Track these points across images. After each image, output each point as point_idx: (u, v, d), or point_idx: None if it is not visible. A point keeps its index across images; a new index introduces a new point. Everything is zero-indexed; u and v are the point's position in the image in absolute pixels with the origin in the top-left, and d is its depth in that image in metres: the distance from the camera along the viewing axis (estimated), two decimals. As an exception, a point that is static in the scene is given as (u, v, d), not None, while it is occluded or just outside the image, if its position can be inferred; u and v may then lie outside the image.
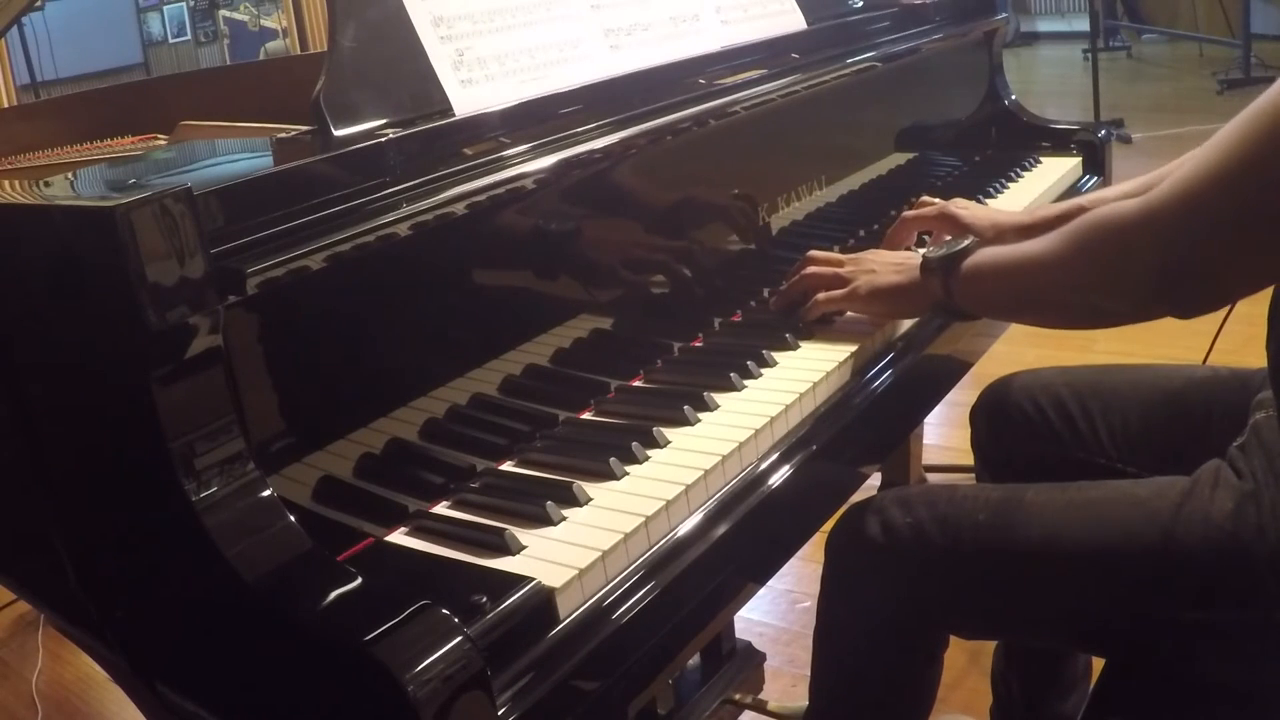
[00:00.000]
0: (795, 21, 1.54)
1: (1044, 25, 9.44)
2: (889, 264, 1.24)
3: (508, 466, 1.02)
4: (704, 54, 1.37)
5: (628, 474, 0.97)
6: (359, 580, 0.76)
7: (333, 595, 0.75)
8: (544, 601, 0.81)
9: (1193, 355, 1.55)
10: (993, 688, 1.56)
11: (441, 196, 0.95)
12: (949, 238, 1.26)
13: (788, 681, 1.95)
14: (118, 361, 0.80)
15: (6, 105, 3.70)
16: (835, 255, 1.29)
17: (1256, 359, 1.18)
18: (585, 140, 1.10)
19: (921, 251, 1.17)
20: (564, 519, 0.91)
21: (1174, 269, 0.93)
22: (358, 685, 0.71)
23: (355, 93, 1.02)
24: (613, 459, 0.98)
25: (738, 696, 1.70)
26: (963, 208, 1.39)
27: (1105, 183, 1.94)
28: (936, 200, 1.41)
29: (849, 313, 1.27)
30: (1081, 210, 1.31)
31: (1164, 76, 7.57)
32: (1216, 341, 1.63)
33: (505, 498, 0.95)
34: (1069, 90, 7.02)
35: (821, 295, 1.25)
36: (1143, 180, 1.30)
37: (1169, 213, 0.93)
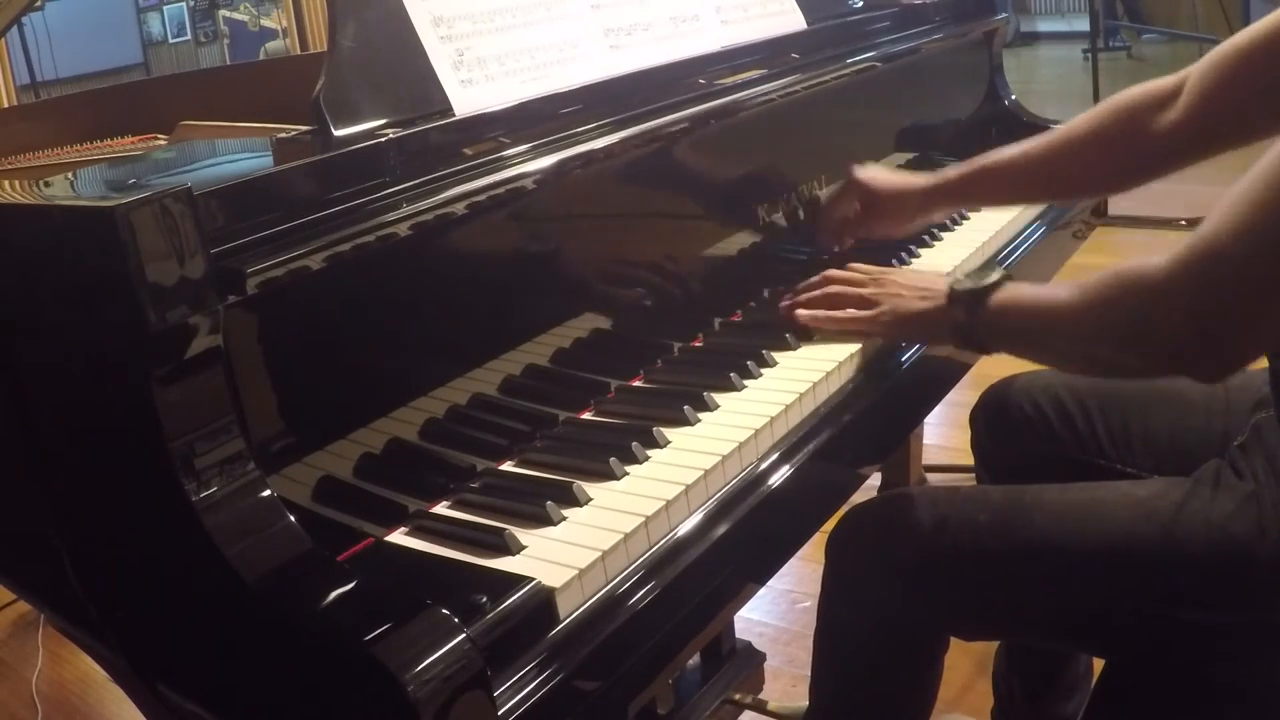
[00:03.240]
0: (795, 21, 1.54)
1: (1044, 25, 9.44)
2: (914, 289, 1.19)
3: (508, 466, 1.02)
4: (704, 54, 1.37)
5: (628, 474, 0.97)
6: (359, 580, 0.76)
7: (333, 595, 0.75)
8: (544, 601, 0.81)
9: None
10: (994, 689, 1.56)
11: (441, 196, 0.95)
12: (976, 269, 1.22)
13: (788, 681, 1.95)
14: (118, 361, 0.80)
15: (6, 105, 3.70)
16: (856, 275, 1.24)
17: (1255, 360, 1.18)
18: (585, 140, 1.10)
19: (950, 281, 1.15)
20: (564, 519, 0.91)
21: (1198, 332, 0.92)
22: (358, 685, 0.71)
23: (355, 93, 1.02)
24: (613, 459, 0.98)
25: (738, 696, 1.70)
26: (867, 172, 1.40)
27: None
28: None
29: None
30: (983, 170, 1.33)
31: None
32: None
33: (505, 498, 0.95)
34: (1069, 90, 7.01)
35: (845, 315, 1.20)
36: (1049, 136, 1.30)
37: (1196, 274, 0.91)
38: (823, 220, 1.44)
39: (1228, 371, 0.95)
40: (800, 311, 1.22)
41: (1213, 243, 0.90)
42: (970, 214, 1.74)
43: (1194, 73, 1.16)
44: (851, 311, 1.21)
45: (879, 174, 1.41)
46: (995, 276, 1.11)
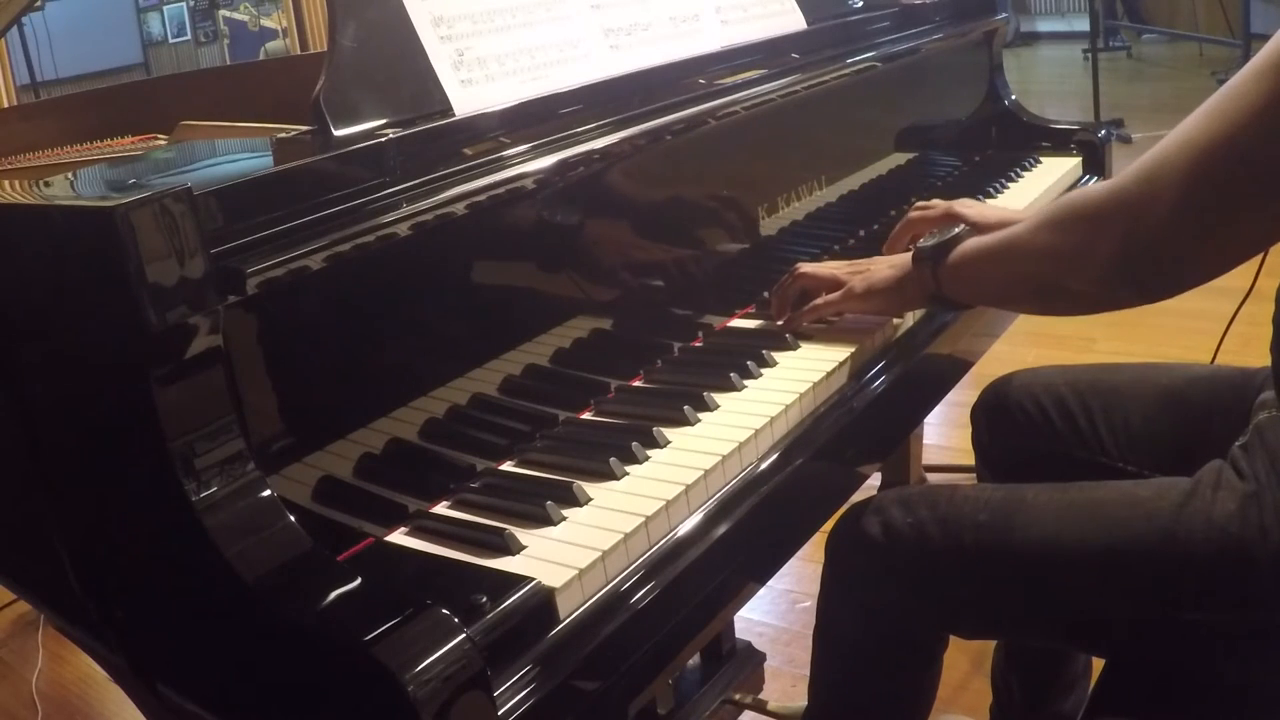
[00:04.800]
0: (795, 21, 1.54)
1: (1044, 25, 9.44)
2: (883, 262, 1.25)
3: (508, 466, 1.02)
4: (704, 54, 1.37)
5: (628, 474, 0.97)
6: (359, 580, 0.76)
7: (333, 595, 0.75)
8: (544, 601, 0.81)
9: (1194, 354, 1.55)
10: (992, 687, 1.56)
11: (441, 196, 0.95)
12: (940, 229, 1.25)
13: (788, 681, 1.95)
14: (118, 361, 0.80)
15: (6, 105, 3.70)
16: (829, 264, 1.28)
17: (1258, 358, 1.18)
18: (585, 140, 1.10)
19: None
20: (564, 519, 0.91)
21: (1135, 250, 0.95)
22: (358, 685, 0.71)
23: (355, 93, 1.02)
24: (613, 459, 0.98)
25: (738, 696, 1.70)
26: (968, 207, 1.39)
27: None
28: (940, 202, 1.41)
29: (848, 314, 1.27)
30: None
31: (1164, 76, 7.57)
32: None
33: (505, 498, 0.95)
34: (1069, 90, 7.01)
35: (819, 300, 1.25)
36: None
37: (1133, 195, 0.94)
38: (900, 235, 1.41)
39: (1163, 294, 0.98)
40: (780, 321, 1.26)
41: (1152, 180, 0.93)
42: (1025, 172, 1.87)
43: None
44: (824, 296, 1.25)
45: (984, 211, 1.39)
46: (957, 229, 1.17)
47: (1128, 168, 0.96)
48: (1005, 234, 1.10)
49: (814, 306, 1.25)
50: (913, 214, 1.41)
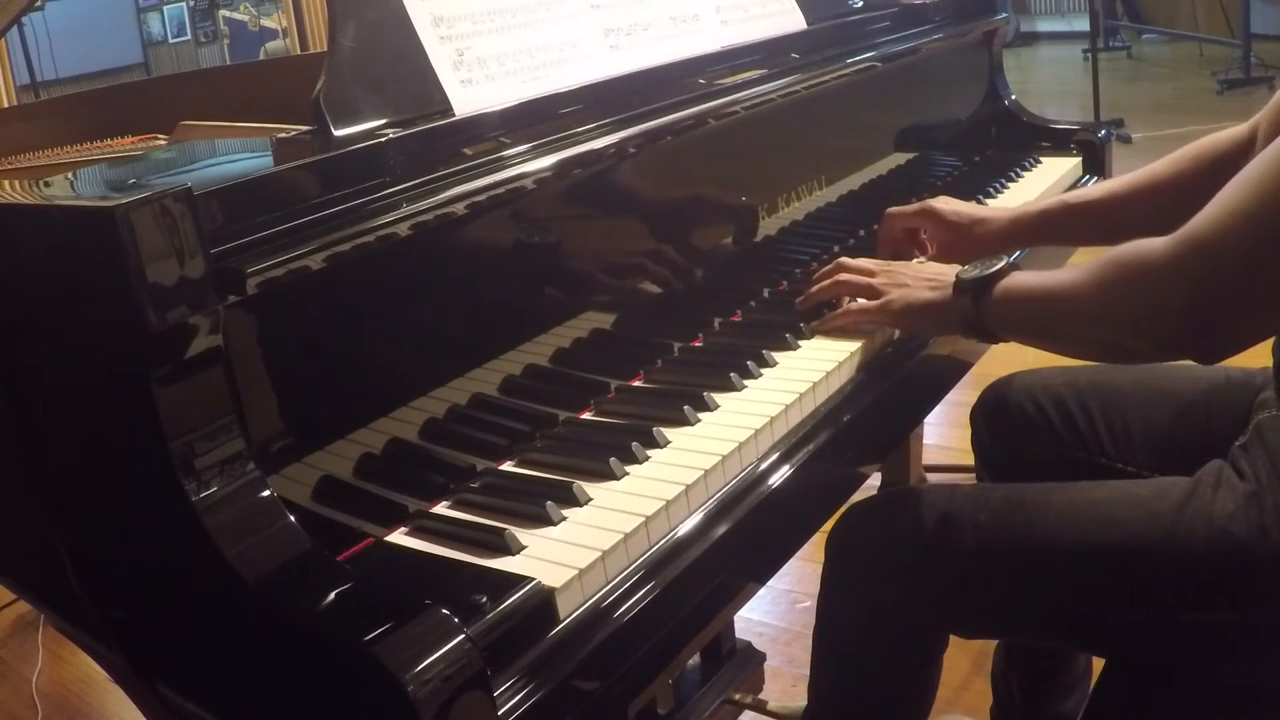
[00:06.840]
0: (795, 21, 1.55)
1: (1044, 25, 9.44)
2: (923, 279, 1.21)
3: (508, 466, 1.02)
4: (704, 54, 1.37)
5: (628, 474, 0.97)
6: (359, 580, 0.76)
7: (333, 595, 0.75)
8: (544, 601, 0.81)
9: (1193, 355, 1.55)
10: (993, 687, 1.56)
11: (441, 196, 0.95)
12: (985, 258, 1.23)
13: (788, 681, 1.95)
14: (118, 361, 0.80)
15: (6, 105, 3.70)
16: (868, 264, 1.26)
17: (1258, 358, 1.17)
18: (585, 140, 1.10)
19: (957, 270, 1.16)
20: (564, 519, 0.91)
21: (1199, 313, 0.93)
22: (358, 685, 0.71)
23: (355, 93, 1.02)
24: (613, 459, 0.98)
25: (738, 696, 1.70)
26: (944, 203, 1.39)
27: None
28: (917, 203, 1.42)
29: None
30: (1065, 207, 1.33)
31: (1164, 76, 7.57)
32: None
33: (505, 498, 0.95)
34: (1069, 90, 7.02)
35: (854, 306, 1.23)
36: (1132, 177, 1.31)
37: (1196, 256, 0.92)
38: (885, 236, 1.42)
39: (1225, 355, 0.97)
40: (814, 324, 1.24)
41: (1212, 232, 0.91)
42: (1025, 172, 1.84)
43: (1263, 120, 1.17)
44: (861, 302, 1.23)
45: (958, 206, 1.39)
46: (1001, 264, 1.12)
47: (1190, 223, 0.93)
48: (1055, 280, 1.06)
49: (849, 314, 1.22)
50: (891, 210, 1.42)
